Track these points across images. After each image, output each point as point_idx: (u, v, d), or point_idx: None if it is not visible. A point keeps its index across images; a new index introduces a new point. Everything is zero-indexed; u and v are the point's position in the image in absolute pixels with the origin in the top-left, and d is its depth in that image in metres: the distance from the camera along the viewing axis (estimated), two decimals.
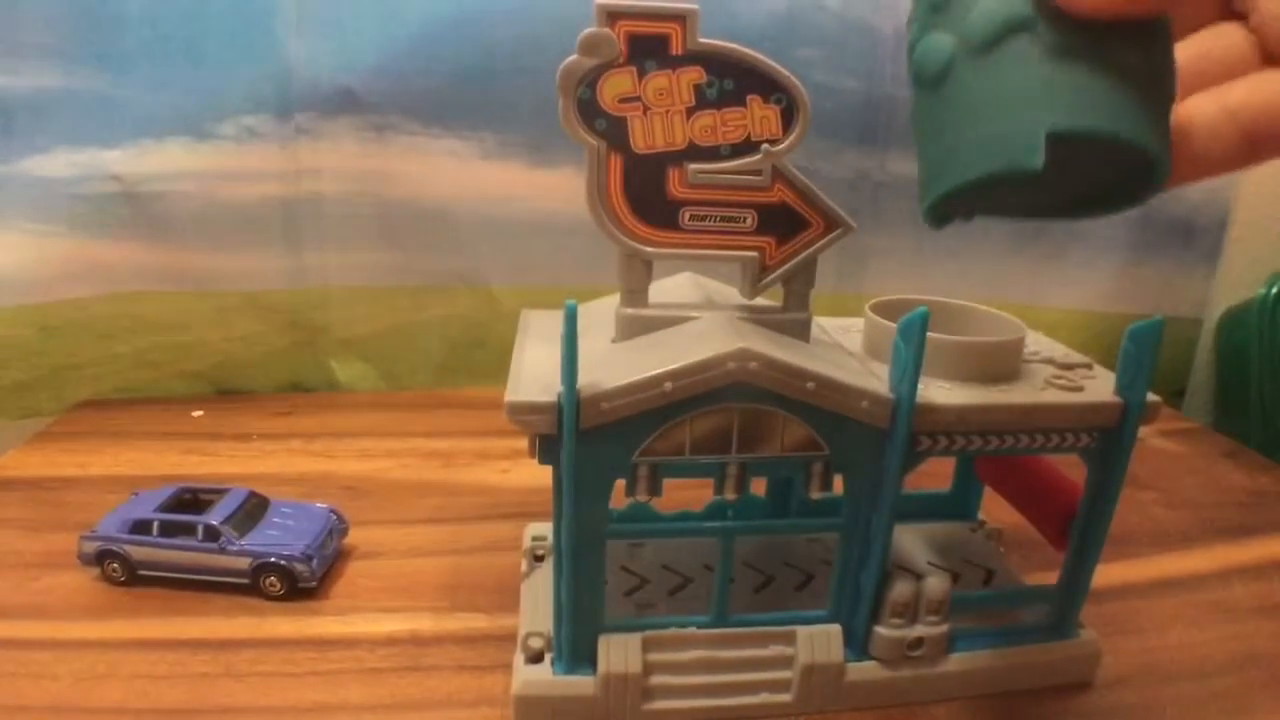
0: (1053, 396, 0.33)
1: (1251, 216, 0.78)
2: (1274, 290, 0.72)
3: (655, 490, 0.32)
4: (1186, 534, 0.52)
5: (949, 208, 0.26)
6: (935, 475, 0.48)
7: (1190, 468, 0.62)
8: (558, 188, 0.66)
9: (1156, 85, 0.24)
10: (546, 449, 0.31)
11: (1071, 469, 0.37)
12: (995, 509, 0.44)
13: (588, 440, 0.30)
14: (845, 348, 0.37)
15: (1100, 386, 0.34)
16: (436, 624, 0.41)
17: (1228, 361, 0.78)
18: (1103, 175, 0.26)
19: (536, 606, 0.38)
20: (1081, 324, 0.78)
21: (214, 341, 0.69)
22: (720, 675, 0.35)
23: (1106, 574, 0.45)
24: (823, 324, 0.40)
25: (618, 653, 0.34)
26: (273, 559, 0.42)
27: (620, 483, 0.32)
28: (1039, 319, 0.77)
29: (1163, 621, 0.43)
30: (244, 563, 0.42)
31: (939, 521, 0.46)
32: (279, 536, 0.43)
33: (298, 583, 0.42)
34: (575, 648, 0.34)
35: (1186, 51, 0.26)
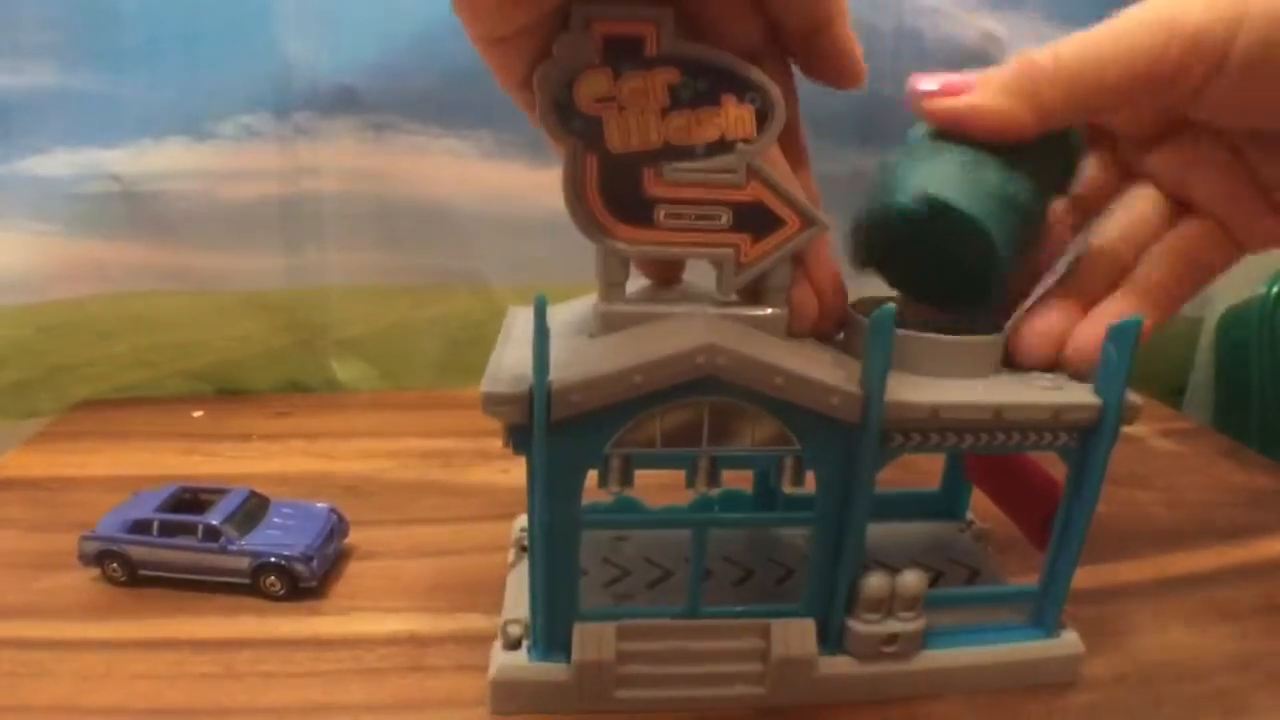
0: (1029, 395, 0.33)
1: None
2: (1275, 289, 0.72)
3: (627, 481, 0.32)
4: (1186, 534, 0.52)
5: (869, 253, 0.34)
6: (926, 474, 0.48)
7: (1190, 467, 0.62)
8: (557, 187, 0.65)
9: (1017, 210, 0.32)
10: (519, 439, 0.32)
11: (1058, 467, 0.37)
12: (987, 508, 0.44)
13: (559, 431, 0.31)
14: (823, 345, 0.37)
15: (1080, 385, 0.34)
16: (437, 624, 0.41)
17: (1228, 360, 0.78)
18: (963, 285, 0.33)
19: (519, 595, 0.38)
20: None
21: (213, 341, 0.69)
22: (693, 666, 0.35)
23: (1106, 574, 0.46)
24: None
25: (591, 641, 0.34)
26: (273, 559, 0.42)
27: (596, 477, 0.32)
28: None
29: (1162, 621, 0.43)
30: (244, 563, 0.42)
31: (928, 520, 0.46)
32: (279, 536, 0.43)
33: (298, 583, 0.42)
34: (550, 635, 0.34)
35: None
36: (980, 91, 0.31)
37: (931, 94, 0.32)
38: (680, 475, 0.33)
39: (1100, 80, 0.30)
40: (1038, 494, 0.38)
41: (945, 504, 0.47)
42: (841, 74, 0.33)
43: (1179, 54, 0.29)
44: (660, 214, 0.32)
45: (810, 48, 0.32)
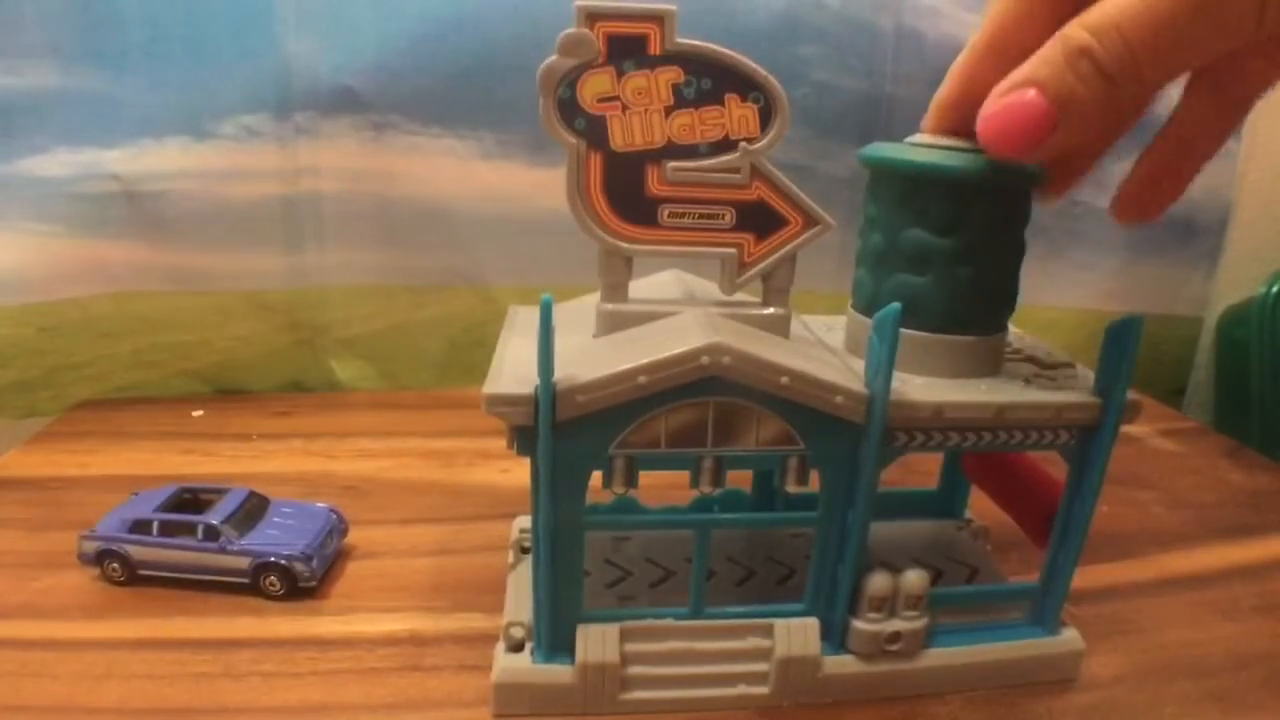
0: (1031, 394, 0.33)
1: (1253, 215, 0.78)
2: (1275, 289, 0.72)
3: (632, 481, 0.32)
4: (1186, 533, 0.52)
5: None
6: (924, 474, 0.48)
7: (1190, 467, 0.62)
8: (558, 187, 0.65)
9: None
10: (523, 440, 0.31)
11: (1058, 466, 0.37)
12: (986, 507, 0.44)
13: (564, 432, 0.31)
14: (827, 344, 0.37)
15: (1081, 385, 0.34)
16: (436, 624, 0.41)
17: (1228, 360, 0.78)
18: None
19: (520, 597, 0.38)
20: (1080, 323, 0.78)
21: (214, 341, 0.69)
22: (697, 666, 0.35)
23: (1106, 573, 0.46)
24: (806, 321, 0.40)
25: (595, 642, 0.34)
26: (273, 559, 0.42)
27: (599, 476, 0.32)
28: (1038, 317, 0.78)
29: (1162, 621, 0.43)
30: (244, 562, 0.42)
31: (926, 519, 0.47)
32: (279, 536, 0.43)
33: (298, 582, 0.42)
34: (554, 637, 0.34)
35: None
36: (1047, 114, 0.27)
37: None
38: (672, 475, 0.33)
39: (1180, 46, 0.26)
40: (1037, 492, 0.38)
41: (943, 503, 0.47)
42: None
43: None
44: (663, 213, 0.32)
45: None
